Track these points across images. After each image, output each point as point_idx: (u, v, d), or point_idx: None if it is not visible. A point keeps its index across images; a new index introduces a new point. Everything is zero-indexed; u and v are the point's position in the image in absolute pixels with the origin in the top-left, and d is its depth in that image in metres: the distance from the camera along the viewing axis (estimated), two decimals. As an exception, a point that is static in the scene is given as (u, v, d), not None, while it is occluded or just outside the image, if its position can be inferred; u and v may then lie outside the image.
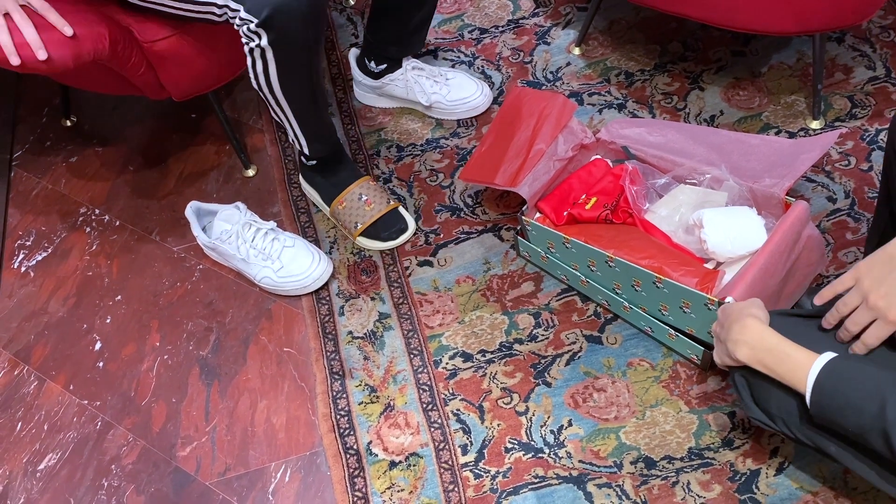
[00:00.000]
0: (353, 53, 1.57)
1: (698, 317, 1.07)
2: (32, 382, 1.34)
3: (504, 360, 1.22)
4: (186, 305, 1.39)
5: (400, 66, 1.50)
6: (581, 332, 1.23)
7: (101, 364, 1.34)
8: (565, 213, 1.21)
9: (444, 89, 1.49)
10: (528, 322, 1.26)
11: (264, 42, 1.11)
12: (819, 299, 0.85)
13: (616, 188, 1.19)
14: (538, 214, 1.23)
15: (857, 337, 0.81)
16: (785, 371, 0.80)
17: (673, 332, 1.13)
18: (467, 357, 1.24)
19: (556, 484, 1.09)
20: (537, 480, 1.10)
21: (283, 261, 1.31)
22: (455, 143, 1.49)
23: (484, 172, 1.26)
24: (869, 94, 1.41)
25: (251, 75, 1.18)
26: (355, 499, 1.13)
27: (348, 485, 1.14)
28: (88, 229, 1.53)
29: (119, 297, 1.42)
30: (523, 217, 1.22)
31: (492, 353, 1.24)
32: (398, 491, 1.13)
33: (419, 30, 1.48)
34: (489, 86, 1.53)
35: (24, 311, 1.43)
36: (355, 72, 1.56)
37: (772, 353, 0.81)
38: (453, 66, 1.58)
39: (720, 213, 1.09)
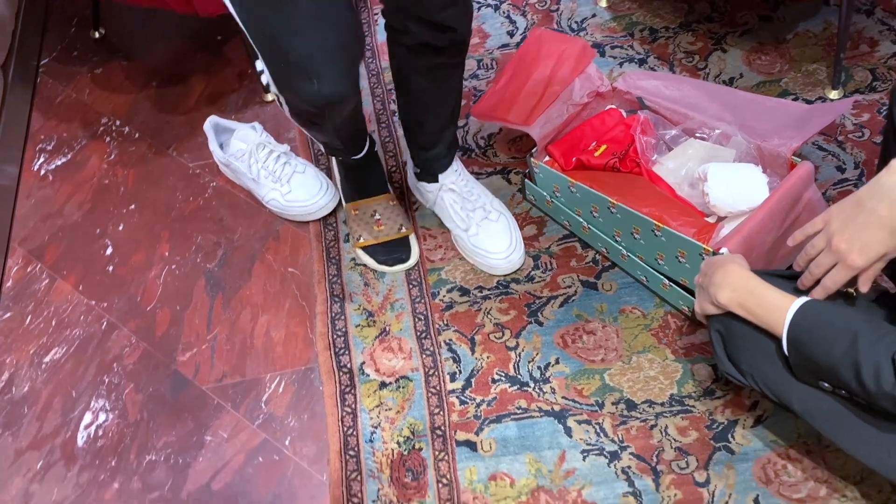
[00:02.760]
0: None
1: (693, 267, 1.09)
2: (44, 280, 1.39)
3: (500, 298, 1.25)
4: (197, 220, 1.42)
5: (437, 181, 1.30)
6: (578, 276, 1.25)
7: (110, 268, 1.39)
8: (574, 159, 1.22)
9: (473, 229, 1.26)
10: (527, 263, 1.28)
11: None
12: (791, 241, 0.86)
13: (627, 138, 1.20)
14: (547, 158, 1.25)
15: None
16: (764, 313, 0.82)
17: (667, 282, 1.15)
18: (464, 292, 1.27)
19: (537, 416, 1.13)
20: (520, 412, 1.14)
21: (292, 185, 1.33)
22: (473, 85, 1.50)
23: (497, 110, 1.27)
24: (892, 69, 1.40)
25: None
26: (344, 413, 1.17)
27: (339, 400, 1.18)
28: (108, 139, 1.56)
29: (133, 207, 1.45)
30: (532, 159, 1.24)
31: (489, 289, 1.26)
32: (386, 410, 1.17)
33: (437, 146, 1.26)
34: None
35: (41, 212, 1.47)
36: None
37: (752, 295, 0.83)
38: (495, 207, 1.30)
39: (725, 168, 1.10)
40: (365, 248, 1.30)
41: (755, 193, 1.07)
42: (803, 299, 0.80)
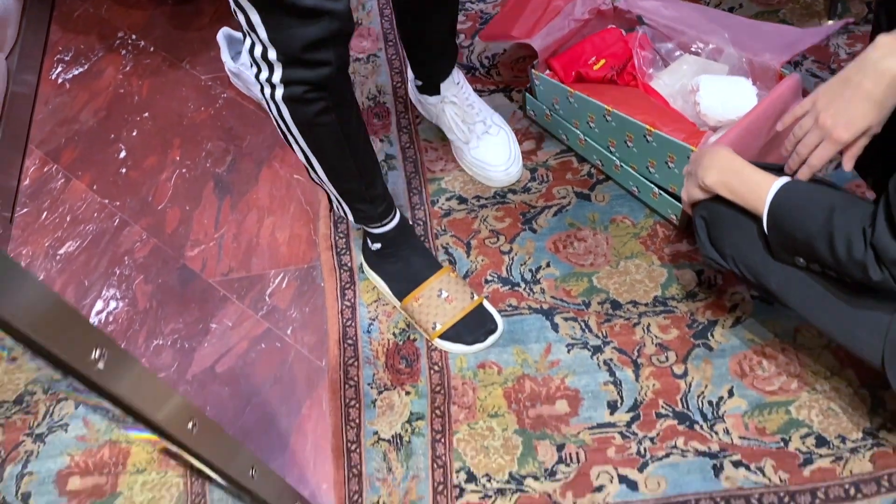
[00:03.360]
0: None
1: (681, 173, 1.13)
2: (60, 179, 1.44)
3: (496, 207, 1.30)
4: (208, 128, 1.47)
5: (438, 92, 1.30)
6: (572, 188, 1.30)
7: (123, 170, 1.44)
8: (574, 73, 1.26)
9: (474, 142, 1.29)
10: (524, 175, 1.33)
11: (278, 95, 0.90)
12: (780, 124, 0.90)
13: (625, 53, 1.25)
14: (548, 71, 1.29)
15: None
16: (747, 191, 0.86)
17: (657, 190, 1.20)
18: (462, 200, 1.32)
19: (527, 313, 1.18)
20: (510, 309, 1.19)
21: (302, 94, 1.37)
22: (480, 8, 1.54)
23: (502, 28, 1.31)
24: (889, 6, 1.44)
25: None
26: (344, 307, 1.23)
27: (339, 294, 1.24)
28: (124, 52, 1.61)
29: (146, 115, 1.51)
30: (534, 71, 1.28)
31: (486, 199, 1.31)
32: (383, 304, 1.22)
33: (440, 53, 1.25)
34: (522, 155, 1.32)
35: (58, 117, 1.53)
36: None
37: (737, 175, 0.87)
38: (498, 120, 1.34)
39: (716, 80, 1.14)
40: (445, 336, 1.15)
41: (744, 103, 1.11)
42: (785, 179, 0.85)
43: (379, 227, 1.14)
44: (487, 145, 1.30)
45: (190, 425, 0.66)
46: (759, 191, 0.84)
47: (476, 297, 1.18)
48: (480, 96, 1.41)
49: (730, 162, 0.88)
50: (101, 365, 0.52)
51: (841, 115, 0.79)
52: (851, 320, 0.83)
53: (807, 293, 0.85)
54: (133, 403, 0.58)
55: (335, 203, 1.12)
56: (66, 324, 0.49)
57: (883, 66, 0.75)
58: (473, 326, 1.16)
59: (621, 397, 1.09)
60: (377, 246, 1.18)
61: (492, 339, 1.15)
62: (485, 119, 1.32)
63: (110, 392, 0.54)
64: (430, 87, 1.32)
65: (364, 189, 1.07)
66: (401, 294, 1.19)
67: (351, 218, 1.13)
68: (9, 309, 0.44)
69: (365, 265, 1.24)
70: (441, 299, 1.16)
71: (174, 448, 0.67)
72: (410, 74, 1.37)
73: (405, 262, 1.18)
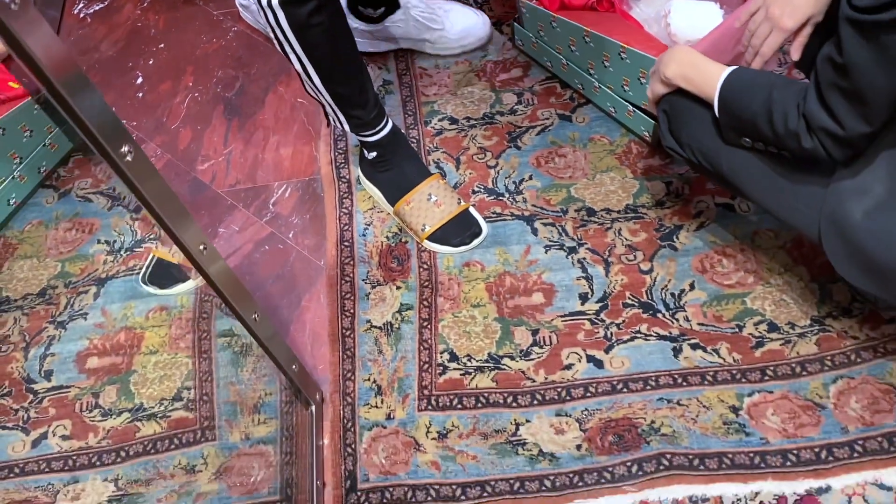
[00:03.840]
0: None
1: (653, 89, 1.23)
2: (81, 102, 1.55)
3: (485, 126, 1.40)
4: (219, 57, 1.58)
5: (399, 6, 1.43)
6: (555, 111, 1.40)
7: (140, 94, 1.55)
8: (559, 2, 1.36)
9: (447, 23, 1.45)
10: (511, 100, 1.43)
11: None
12: (738, 21, 1.00)
13: (605, -16, 1.35)
14: (536, 0, 1.39)
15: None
16: (701, 81, 0.96)
17: (632, 108, 1.29)
18: (453, 121, 1.42)
19: (509, 220, 1.28)
20: (494, 216, 1.29)
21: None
22: (475, -49, 1.65)
23: (492, -39, 1.42)
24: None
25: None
26: (342, 213, 1.33)
27: (337, 203, 1.34)
28: (141, -10, 1.72)
29: (162, 45, 1.61)
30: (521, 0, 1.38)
31: (475, 120, 1.41)
32: (378, 212, 1.32)
33: None
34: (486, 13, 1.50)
35: (80, 47, 1.63)
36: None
37: (694, 67, 0.97)
38: None
39: (686, 3, 1.24)
40: (433, 238, 1.25)
41: (712, 24, 1.20)
42: (735, 67, 0.94)
43: (373, 134, 1.24)
44: (458, 17, 1.47)
45: (201, 247, 0.77)
46: (712, 79, 0.94)
47: (463, 203, 1.27)
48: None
49: (687, 55, 0.98)
50: (129, 158, 0.62)
51: (787, 4, 0.89)
52: (792, 195, 0.92)
53: (753, 173, 0.95)
54: (158, 209, 0.69)
55: (332, 116, 1.22)
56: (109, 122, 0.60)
57: None
58: (460, 229, 1.26)
59: (592, 290, 1.19)
60: (373, 155, 1.28)
61: (476, 241, 1.25)
62: (443, 5, 1.48)
63: (135, 184, 0.64)
64: (391, 4, 1.44)
65: (357, 94, 1.17)
66: (393, 199, 1.29)
67: (347, 128, 1.23)
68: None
69: (362, 176, 1.34)
70: (430, 203, 1.26)
71: (190, 265, 0.78)
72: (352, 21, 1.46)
73: (398, 170, 1.28)
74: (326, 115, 1.24)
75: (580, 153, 1.34)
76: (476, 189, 1.33)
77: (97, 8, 1.69)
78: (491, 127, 1.40)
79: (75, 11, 1.69)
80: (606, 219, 1.26)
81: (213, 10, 1.65)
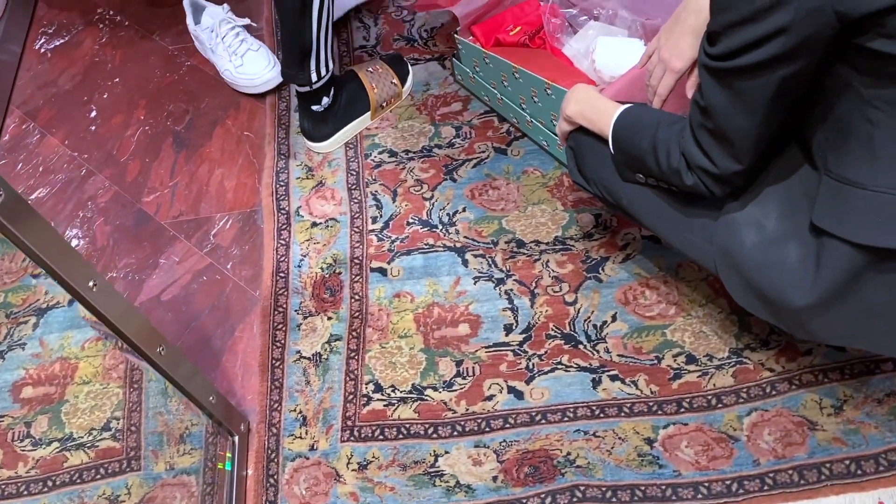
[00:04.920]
0: None
1: (579, 124, 1.26)
2: (35, 135, 1.59)
3: (423, 159, 1.42)
4: (171, 91, 1.61)
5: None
6: (492, 144, 1.42)
7: (93, 128, 1.58)
8: (493, 39, 1.39)
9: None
10: (449, 133, 1.45)
11: None
12: (639, 63, 1.02)
13: (539, 20, 1.37)
14: (471, 37, 1.42)
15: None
16: (597, 118, 0.98)
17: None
18: (393, 154, 1.44)
19: (441, 251, 1.30)
20: (427, 247, 1.31)
21: (245, 60, 1.52)
22: (423, -12, 1.68)
23: (431, -2, 1.45)
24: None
25: None
26: (279, 245, 1.35)
27: (275, 234, 1.37)
28: (102, 26, 1.76)
29: (117, 80, 1.65)
30: (457, 36, 1.41)
31: (414, 153, 1.44)
32: (314, 243, 1.35)
33: None
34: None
35: (39, 82, 1.68)
36: None
37: (591, 105, 0.99)
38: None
39: (612, 41, 1.26)
40: (403, 82, 1.48)
41: (635, 60, 1.23)
42: (628, 105, 0.97)
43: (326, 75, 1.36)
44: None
45: (91, 283, 0.79)
46: (606, 117, 0.96)
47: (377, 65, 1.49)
48: (416, 63, 1.55)
49: (585, 93, 1.00)
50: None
51: (674, 47, 0.91)
52: (685, 227, 0.94)
53: (650, 207, 0.96)
54: (37, 249, 0.71)
55: (323, 55, 1.30)
56: None
57: (701, 4, 0.87)
58: (401, 64, 1.51)
59: (517, 321, 1.20)
60: (329, 98, 1.39)
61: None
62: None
63: (9, 228, 0.67)
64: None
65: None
66: (364, 111, 1.45)
67: (332, 65, 1.35)
68: None
69: (325, 143, 1.44)
70: (373, 73, 1.47)
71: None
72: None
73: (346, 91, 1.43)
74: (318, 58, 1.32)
75: (513, 185, 1.36)
76: (410, 221, 1.35)
77: (58, 43, 1.74)
78: (429, 160, 1.42)
79: (36, 47, 1.74)
80: (535, 250, 1.28)
81: (168, 45, 1.69)
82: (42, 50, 1.73)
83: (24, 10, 1.78)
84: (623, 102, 1.00)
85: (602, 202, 1.05)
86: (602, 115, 0.97)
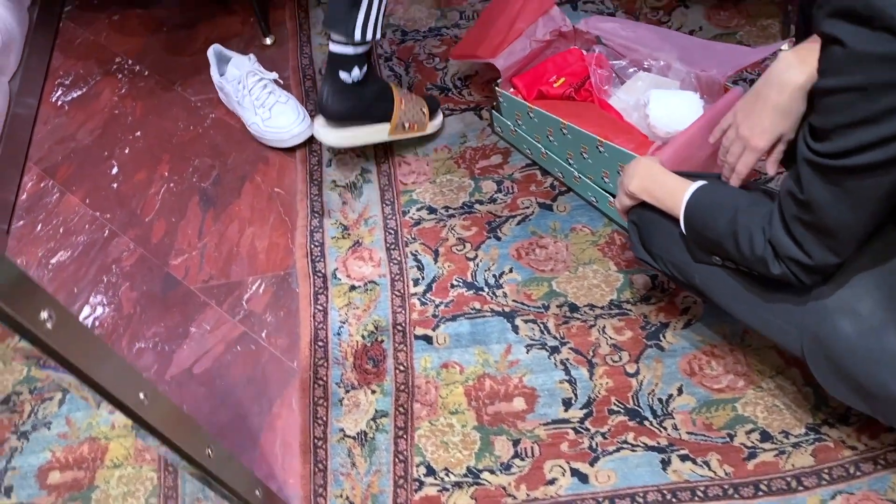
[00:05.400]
0: None
1: (633, 182, 1.19)
2: (55, 194, 1.52)
3: (464, 216, 1.36)
4: (195, 145, 1.55)
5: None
6: (536, 199, 1.36)
7: (115, 185, 1.52)
8: (536, 91, 1.33)
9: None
10: (491, 187, 1.39)
11: None
12: (711, 137, 0.96)
13: (584, 71, 1.32)
14: (512, 89, 1.36)
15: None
16: (666, 196, 0.92)
17: (612, 199, 1.25)
18: (432, 210, 1.38)
19: (489, 316, 1.24)
20: (473, 312, 1.24)
21: (273, 113, 1.46)
22: (455, 33, 1.62)
23: (469, 48, 1.39)
24: (842, 28, 1.50)
25: None
26: (316, 311, 1.29)
27: (312, 299, 1.30)
28: (120, 76, 1.70)
29: (138, 134, 1.59)
30: (498, 88, 1.35)
31: (454, 209, 1.37)
32: (354, 308, 1.28)
33: None
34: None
35: (56, 136, 1.61)
36: None
37: (656, 181, 0.93)
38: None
39: (666, 94, 1.20)
40: (433, 116, 1.45)
41: (691, 115, 1.17)
42: (699, 183, 0.90)
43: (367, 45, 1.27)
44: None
45: (141, 395, 0.72)
46: (676, 196, 0.90)
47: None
48: (452, 114, 1.50)
49: (649, 170, 0.95)
50: (49, 325, 0.58)
51: (756, 126, 0.86)
52: (767, 312, 0.88)
53: (726, 288, 0.90)
54: (79, 363, 0.64)
55: (374, 14, 1.21)
56: (17, 285, 0.56)
57: (785, 79, 0.82)
58: (431, 101, 1.45)
59: (576, 395, 1.13)
60: (360, 73, 1.28)
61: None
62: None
63: (57, 351, 0.60)
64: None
65: None
66: (385, 116, 1.37)
67: (379, 36, 1.25)
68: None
69: (339, 132, 1.35)
70: (409, 95, 1.42)
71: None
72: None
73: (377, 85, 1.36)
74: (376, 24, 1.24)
75: (561, 244, 1.30)
76: (454, 283, 1.28)
77: (75, 95, 1.68)
78: (470, 216, 1.36)
79: (53, 99, 1.68)
80: (590, 315, 1.21)
81: (191, 97, 1.63)
82: (59, 102, 1.67)
83: (40, 61, 1.72)
84: (689, 174, 0.94)
85: (670, 279, 0.99)
86: (671, 194, 0.91)
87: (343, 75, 1.28)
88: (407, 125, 1.38)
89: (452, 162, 1.43)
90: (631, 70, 1.27)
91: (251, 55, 1.50)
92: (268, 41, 1.67)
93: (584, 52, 1.37)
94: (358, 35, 1.22)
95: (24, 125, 1.62)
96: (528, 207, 1.35)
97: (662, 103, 1.18)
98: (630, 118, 1.26)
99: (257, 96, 1.46)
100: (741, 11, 1.54)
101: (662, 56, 1.23)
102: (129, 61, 1.71)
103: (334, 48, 1.27)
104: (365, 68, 1.29)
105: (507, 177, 1.40)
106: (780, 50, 0.94)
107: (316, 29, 1.68)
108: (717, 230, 0.85)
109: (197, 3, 1.81)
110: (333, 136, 1.35)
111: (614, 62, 1.28)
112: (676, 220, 0.93)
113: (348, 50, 1.25)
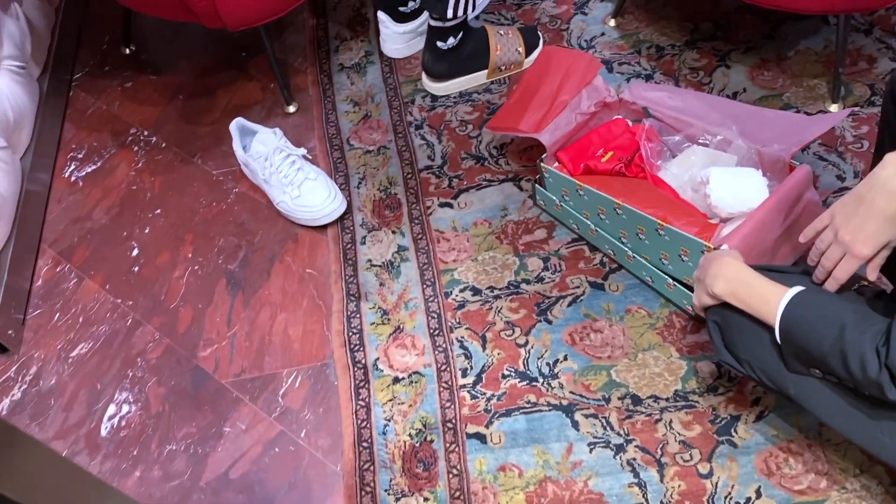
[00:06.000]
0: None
1: (696, 266, 1.12)
2: (72, 279, 1.44)
3: (510, 297, 1.29)
4: (220, 223, 1.48)
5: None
6: (586, 278, 1.29)
7: (136, 269, 1.44)
8: (582, 165, 1.27)
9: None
10: (537, 265, 1.32)
11: None
12: (803, 237, 0.90)
13: (632, 144, 1.26)
14: (556, 163, 1.30)
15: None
16: (757, 303, 0.86)
17: (671, 281, 1.19)
18: (476, 291, 1.31)
19: (546, 410, 1.16)
20: (529, 406, 1.17)
21: (302, 190, 1.39)
22: (486, 98, 1.56)
23: (510, 120, 1.33)
24: (891, 85, 1.46)
25: None
26: (358, 407, 1.21)
27: (353, 394, 1.22)
28: (136, 148, 1.63)
29: (158, 211, 1.52)
30: (542, 164, 1.29)
31: (500, 289, 1.30)
32: (399, 404, 1.20)
33: None
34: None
35: (71, 215, 1.54)
36: (385, 25, 1.62)
37: (746, 286, 0.87)
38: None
39: (726, 172, 1.14)
40: (529, 52, 1.57)
41: (756, 195, 1.11)
42: (795, 290, 0.84)
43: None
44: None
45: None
46: (769, 303, 0.84)
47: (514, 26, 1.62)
48: (490, 185, 1.43)
49: (737, 272, 0.88)
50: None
51: (859, 231, 0.80)
52: (875, 428, 0.81)
53: (827, 402, 0.84)
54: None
55: None
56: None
57: (892, 185, 0.76)
58: (531, 33, 1.58)
59: (647, 500, 1.06)
60: (455, 39, 1.48)
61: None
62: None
63: None
64: None
65: None
66: (483, 65, 1.54)
67: (472, 11, 1.44)
68: None
69: (440, 84, 1.55)
70: (503, 35, 1.55)
71: None
72: (389, 26, 1.62)
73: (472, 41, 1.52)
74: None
75: (617, 328, 1.23)
76: (506, 373, 1.21)
77: (89, 170, 1.60)
78: (517, 298, 1.29)
79: (66, 174, 1.60)
80: (654, 408, 1.14)
81: (212, 170, 1.56)
82: (73, 178, 1.60)
83: (51, 134, 1.65)
84: (775, 269, 0.88)
85: (759, 384, 0.92)
86: (764, 301, 0.85)
87: (440, 44, 1.50)
88: (503, 68, 1.56)
89: (494, 237, 1.36)
90: (685, 145, 1.21)
91: (277, 129, 1.43)
92: (291, 109, 1.61)
93: (630, 123, 1.31)
94: (450, 13, 1.41)
95: (38, 204, 1.54)
96: (578, 287, 1.28)
97: (724, 183, 1.12)
98: (685, 195, 1.19)
99: (285, 174, 1.39)
100: (785, 71, 1.49)
101: (720, 131, 1.17)
102: (145, 132, 1.64)
103: (432, 23, 1.48)
104: (460, 34, 1.49)
105: (553, 253, 1.33)
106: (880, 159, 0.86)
107: (340, 95, 1.62)
108: (821, 347, 0.78)
109: (213, 68, 1.75)
110: (437, 87, 1.56)
111: (667, 138, 1.22)
112: (765, 324, 0.86)
113: (442, 24, 1.46)
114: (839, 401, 0.83)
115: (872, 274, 0.83)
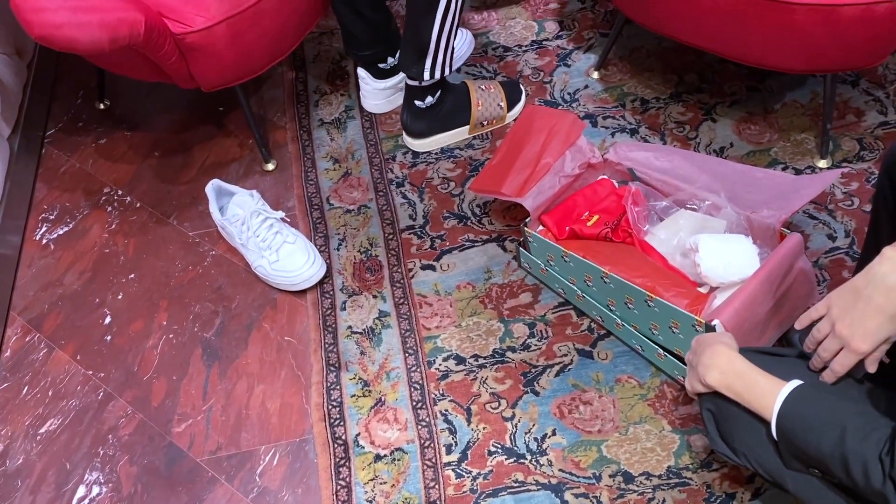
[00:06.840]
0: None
1: (686, 338, 1.09)
2: (42, 350, 1.39)
3: (496, 367, 1.25)
4: (196, 288, 1.43)
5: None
6: (573, 345, 1.25)
7: (108, 338, 1.39)
8: (567, 228, 1.24)
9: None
10: (522, 331, 1.28)
11: None
12: (798, 324, 0.87)
13: (618, 208, 1.22)
14: (541, 227, 1.26)
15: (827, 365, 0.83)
16: (753, 397, 0.82)
17: (662, 351, 1.15)
18: (460, 360, 1.27)
19: (534, 490, 1.12)
20: (517, 485, 1.12)
21: (280, 255, 1.35)
22: (469, 154, 1.53)
23: (492, 183, 1.30)
24: (878, 139, 1.43)
25: None
26: (338, 487, 1.16)
27: (333, 473, 1.17)
28: (110, 209, 1.58)
29: (132, 276, 1.47)
30: (526, 228, 1.25)
31: (485, 358, 1.26)
32: (381, 483, 1.15)
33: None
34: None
35: (41, 281, 1.49)
36: (365, 82, 1.58)
37: (741, 379, 0.83)
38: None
39: (716, 239, 1.11)
40: (511, 108, 1.55)
41: (746, 264, 1.08)
42: (791, 385, 0.81)
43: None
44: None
45: None
46: (765, 399, 0.80)
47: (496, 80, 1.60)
48: (473, 246, 1.39)
49: (731, 363, 0.85)
50: None
51: (857, 326, 0.77)
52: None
53: (827, 499, 0.79)
54: None
55: (441, 57, 1.39)
56: None
57: (891, 282, 0.73)
58: (512, 88, 1.57)
59: (641, 588, 1.01)
60: (433, 98, 1.46)
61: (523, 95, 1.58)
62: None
63: None
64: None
65: None
66: (464, 121, 1.52)
67: (448, 71, 1.44)
68: None
69: (421, 141, 1.52)
70: (485, 91, 1.53)
71: None
72: (368, 83, 1.59)
73: (451, 96, 1.50)
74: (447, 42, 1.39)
75: (607, 399, 1.19)
76: (492, 449, 1.16)
77: (61, 232, 1.55)
78: (503, 367, 1.24)
79: (37, 237, 1.55)
80: (647, 486, 1.09)
81: (188, 231, 1.51)
82: (44, 241, 1.54)
83: (22, 194, 1.60)
84: (776, 354, 0.84)
85: (757, 475, 0.88)
86: (759, 395, 0.81)
87: (418, 103, 1.48)
88: (485, 123, 1.54)
89: (478, 301, 1.32)
90: (672, 210, 1.18)
91: (254, 192, 1.40)
92: (269, 167, 1.57)
93: (615, 184, 1.28)
94: (427, 77, 1.41)
95: (8, 269, 1.49)
96: (565, 355, 1.24)
97: (714, 252, 1.09)
98: (674, 261, 1.16)
99: (263, 237, 1.35)
100: (772, 125, 1.47)
101: (709, 196, 1.14)
102: (119, 192, 1.60)
103: (408, 81, 1.46)
104: (437, 93, 1.48)
105: (539, 318, 1.29)
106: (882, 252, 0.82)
107: (320, 152, 1.58)
108: (821, 450, 0.75)
109: (190, 124, 1.71)
110: (417, 144, 1.53)
111: (654, 203, 1.19)
112: (761, 418, 0.83)
113: (419, 84, 1.44)
114: (841, 502, 0.79)
115: (872, 367, 0.79)
